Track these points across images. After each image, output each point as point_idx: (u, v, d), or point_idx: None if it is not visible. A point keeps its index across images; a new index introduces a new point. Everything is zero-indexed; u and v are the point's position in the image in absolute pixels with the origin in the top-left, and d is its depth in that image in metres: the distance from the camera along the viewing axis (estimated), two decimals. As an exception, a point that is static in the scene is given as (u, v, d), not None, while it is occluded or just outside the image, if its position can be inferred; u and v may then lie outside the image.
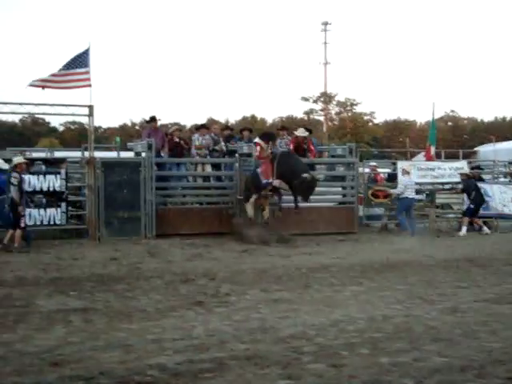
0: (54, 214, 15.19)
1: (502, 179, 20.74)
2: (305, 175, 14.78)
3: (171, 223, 15.71)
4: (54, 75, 15.32)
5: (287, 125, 29.95)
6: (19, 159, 14.45)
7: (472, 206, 18.05)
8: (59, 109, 15.70)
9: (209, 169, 17.26)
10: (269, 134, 17.69)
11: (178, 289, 9.53)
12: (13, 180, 13.91)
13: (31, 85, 15.09)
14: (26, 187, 14.52)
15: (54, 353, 6.13)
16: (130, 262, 12.06)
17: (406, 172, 18.03)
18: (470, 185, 18.18)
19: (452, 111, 64.60)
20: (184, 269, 11.32)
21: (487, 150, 25.96)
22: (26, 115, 48.03)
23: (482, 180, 19.53)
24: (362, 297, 8.96)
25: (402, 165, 18.67)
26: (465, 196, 18.75)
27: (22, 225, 13.97)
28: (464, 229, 17.80)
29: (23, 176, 14.20)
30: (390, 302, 8.57)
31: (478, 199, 18.16)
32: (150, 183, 15.80)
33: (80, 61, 15.35)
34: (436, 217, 19.43)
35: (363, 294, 9.19)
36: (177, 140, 16.99)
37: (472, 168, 20.19)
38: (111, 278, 10.35)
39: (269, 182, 15.32)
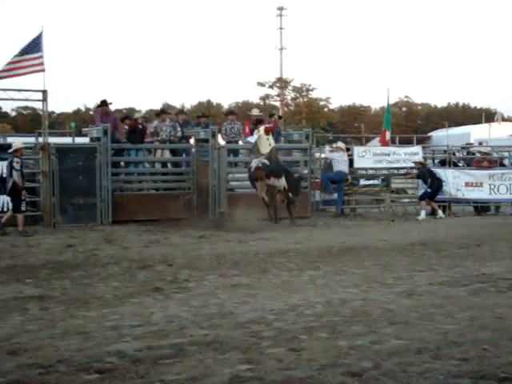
0: (8, 201, 14.95)
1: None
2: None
3: (128, 209, 15.62)
4: (8, 63, 15.04)
5: (241, 110, 29.84)
6: (19, 144, 14.80)
7: (429, 190, 18.26)
8: (12, 93, 15.43)
9: (167, 154, 17.19)
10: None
11: (136, 275, 9.46)
12: (15, 165, 14.25)
13: None
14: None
15: (11, 341, 6.04)
16: (86, 248, 11.94)
17: (340, 149, 18.74)
18: (425, 172, 18.41)
19: (406, 97, 65.43)
20: (141, 255, 11.25)
21: (440, 135, 26.40)
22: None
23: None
24: (320, 281, 9.02)
25: (336, 144, 19.24)
26: (420, 181, 19.07)
27: (23, 209, 14.27)
28: (423, 213, 18.01)
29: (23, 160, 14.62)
30: (348, 286, 8.65)
31: (436, 184, 18.36)
32: (105, 169, 15.66)
33: (33, 46, 15.09)
34: (391, 201, 19.69)
35: (321, 278, 9.25)
36: (140, 126, 16.85)
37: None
38: (67, 265, 10.23)
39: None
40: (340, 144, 19.18)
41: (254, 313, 7.15)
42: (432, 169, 19.14)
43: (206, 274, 9.53)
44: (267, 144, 15.44)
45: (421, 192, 18.77)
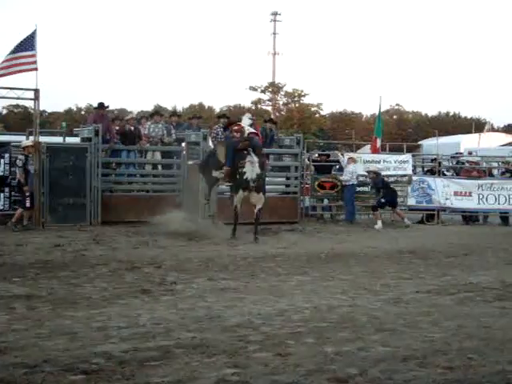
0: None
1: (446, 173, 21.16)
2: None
3: (117, 210, 15.59)
4: (1, 62, 15.02)
5: (233, 114, 29.77)
6: (27, 142, 15.37)
7: (383, 200, 17.81)
8: (3, 92, 15.39)
9: (158, 156, 17.19)
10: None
11: (124, 276, 9.45)
12: (18, 162, 14.81)
13: None
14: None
15: (-3, 340, 6.03)
16: (74, 248, 11.93)
17: (352, 161, 18.43)
18: (378, 182, 18.05)
19: (397, 105, 65.48)
20: (130, 256, 11.24)
21: (430, 144, 26.45)
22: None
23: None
24: (308, 286, 9.04)
25: (348, 155, 19.02)
26: (409, 189, 19.16)
27: (28, 205, 14.62)
28: (379, 222, 17.44)
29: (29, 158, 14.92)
30: (335, 292, 8.67)
31: (389, 193, 17.98)
32: (96, 169, 15.64)
33: (26, 44, 15.06)
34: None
35: (309, 283, 9.27)
36: (131, 128, 16.82)
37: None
38: (56, 265, 10.21)
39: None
40: (352, 155, 19.11)
41: (241, 317, 7.16)
42: (423, 177, 19.25)
43: (194, 276, 9.54)
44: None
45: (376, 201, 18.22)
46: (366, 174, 18.84)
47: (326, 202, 19.40)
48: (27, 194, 14.56)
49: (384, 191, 17.90)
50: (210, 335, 6.37)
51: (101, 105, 16.76)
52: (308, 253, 12.23)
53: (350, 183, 18.22)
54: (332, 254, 12.31)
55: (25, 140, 15.91)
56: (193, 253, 11.92)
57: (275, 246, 13.22)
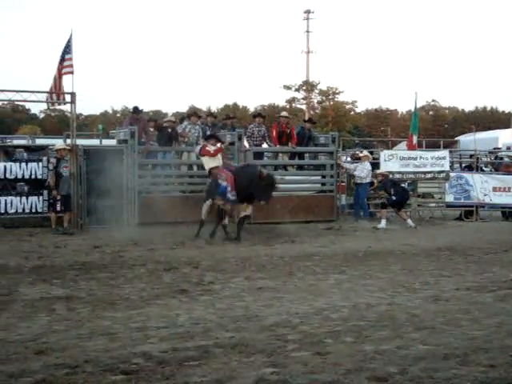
0: (36, 202, 15.15)
1: (484, 169, 20.91)
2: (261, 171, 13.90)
3: (154, 211, 15.65)
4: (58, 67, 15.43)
5: (267, 113, 29.78)
6: (60, 145, 15.41)
7: (394, 198, 17.18)
8: (41, 96, 15.61)
9: (193, 157, 17.21)
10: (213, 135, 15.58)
11: (162, 277, 9.51)
12: (49, 165, 15.03)
13: None
14: (8, 175, 14.69)
15: (38, 341, 6.11)
16: (112, 250, 12.03)
17: (367, 158, 18.35)
18: (386, 183, 17.51)
19: (433, 101, 65.07)
20: (167, 257, 11.31)
21: (468, 140, 26.14)
22: (5, 102, 47.59)
23: None
24: (346, 285, 9.00)
25: (362, 152, 18.88)
26: (447, 185, 18.97)
27: (58, 208, 14.81)
28: (383, 222, 16.83)
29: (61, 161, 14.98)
30: (373, 291, 8.62)
31: (400, 193, 17.40)
32: (132, 170, 15.74)
33: (64, 48, 15.28)
34: (417, 206, 19.59)
35: (346, 282, 9.24)
36: (169, 130, 16.90)
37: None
38: (94, 266, 10.31)
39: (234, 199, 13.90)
40: (366, 152, 18.94)
41: (279, 316, 7.15)
42: (460, 173, 19.02)
43: (232, 276, 9.56)
44: (206, 163, 14.44)
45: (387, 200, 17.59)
46: (403, 171, 18.67)
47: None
48: (58, 197, 14.67)
49: (394, 191, 17.32)
50: (248, 335, 6.38)
51: (135, 109, 16.87)
52: (345, 251, 12.19)
53: (366, 181, 18.04)
54: (369, 252, 12.24)
55: (61, 143, 16.07)
56: (230, 253, 11.94)
57: (312, 244, 13.19)
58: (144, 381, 5.09)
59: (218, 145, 14.77)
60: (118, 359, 5.56)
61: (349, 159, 19.20)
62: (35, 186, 15.21)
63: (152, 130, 17.18)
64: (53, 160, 14.92)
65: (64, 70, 15.31)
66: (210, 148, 14.41)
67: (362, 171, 18.01)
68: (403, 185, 18.43)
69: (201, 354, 5.73)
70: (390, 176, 17.97)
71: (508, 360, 5.60)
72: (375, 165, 18.60)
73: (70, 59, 15.31)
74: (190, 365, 5.44)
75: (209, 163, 14.41)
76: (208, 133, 17.13)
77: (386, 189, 17.43)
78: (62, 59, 15.31)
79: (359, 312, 7.40)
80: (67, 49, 15.29)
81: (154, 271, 9.95)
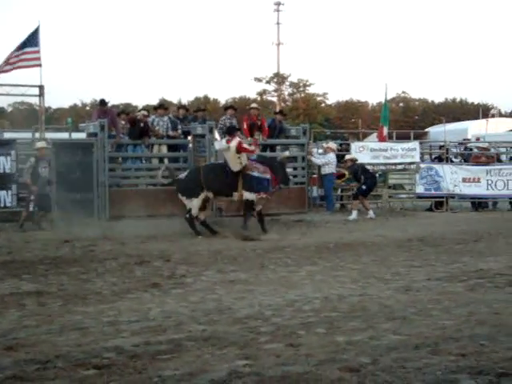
0: (4, 197, 14.96)
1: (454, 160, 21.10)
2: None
3: (125, 205, 15.55)
4: (6, 58, 15.06)
5: (238, 106, 29.70)
6: (41, 144, 15.01)
7: (364, 187, 17.20)
8: (8, 89, 15.43)
9: (164, 150, 17.15)
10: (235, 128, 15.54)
11: (133, 271, 9.46)
12: (27, 164, 14.64)
13: None
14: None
15: (9, 337, 6.03)
16: (83, 244, 11.93)
17: (331, 149, 18.40)
18: (357, 169, 17.38)
19: (403, 92, 65.24)
20: (139, 251, 11.25)
21: (438, 131, 26.40)
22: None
23: None
24: (317, 277, 9.02)
25: (327, 144, 19.02)
26: (417, 176, 19.11)
27: (31, 209, 14.47)
28: (354, 213, 16.86)
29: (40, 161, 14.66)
30: (345, 282, 8.65)
31: (370, 181, 17.43)
32: (102, 164, 15.62)
33: (30, 40, 15.10)
34: (388, 197, 19.72)
35: (318, 273, 9.25)
36: (141, 125, 16.76)
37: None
38: (65, 261, 10.22)
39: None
40: (331, 144, 18.96)
41: (251, 308, 7.15)
42: (430, 164, 19.17)
43: (204, 269, 9.54)
44: (238, 162, 13.65)
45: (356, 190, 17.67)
46: (374, 163, 18.76)
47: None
48: (32, 197, 14.41)
49: (364, 178, 17.25)
50: (220, 327, 6.36)
51: (102, 101, 16.73)
52: (317, 243, 12.23)
53: (329, 172, 18.06)
54: (341, 243, 12.29)
55: (30, 136, 15.90)
56: (201, 246, 11.92)
57: (284, 237, 13.20)
58: (116, 375, 5.05)
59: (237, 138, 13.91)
60: (90, 354, 5.52)
61: (320, 151, 19.22)
62: (4, 180, 15.02)
63: (124, 122, 17.05)
64: (32, 159, 14.58)
65: (30, 63, 15.12)
66: (248, 146, 13.99)
67: (327, 163, 18.02)
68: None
69: (173, 347, 5.71)
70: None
71: (478, 349, 5.64)
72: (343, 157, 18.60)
73: (38, 51, 15.14)
74: (163, 358, 5.41)
75: (243, 159, 13.64)
76: (179, 127, 17.08)
77: (357, 176, 17.37)
78: (20, 49, 15.06)
79: (331, 303, 7.42)
80: (33, 41, 15.09)
81: (125, 265, 9.89)
